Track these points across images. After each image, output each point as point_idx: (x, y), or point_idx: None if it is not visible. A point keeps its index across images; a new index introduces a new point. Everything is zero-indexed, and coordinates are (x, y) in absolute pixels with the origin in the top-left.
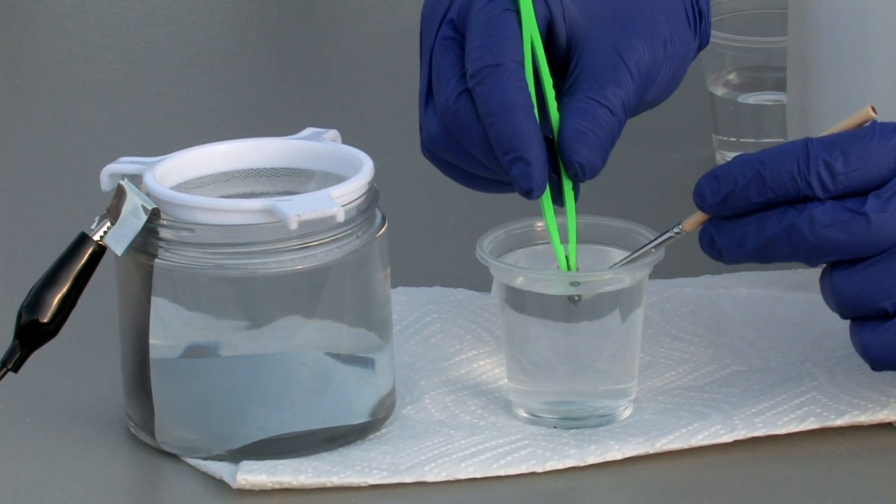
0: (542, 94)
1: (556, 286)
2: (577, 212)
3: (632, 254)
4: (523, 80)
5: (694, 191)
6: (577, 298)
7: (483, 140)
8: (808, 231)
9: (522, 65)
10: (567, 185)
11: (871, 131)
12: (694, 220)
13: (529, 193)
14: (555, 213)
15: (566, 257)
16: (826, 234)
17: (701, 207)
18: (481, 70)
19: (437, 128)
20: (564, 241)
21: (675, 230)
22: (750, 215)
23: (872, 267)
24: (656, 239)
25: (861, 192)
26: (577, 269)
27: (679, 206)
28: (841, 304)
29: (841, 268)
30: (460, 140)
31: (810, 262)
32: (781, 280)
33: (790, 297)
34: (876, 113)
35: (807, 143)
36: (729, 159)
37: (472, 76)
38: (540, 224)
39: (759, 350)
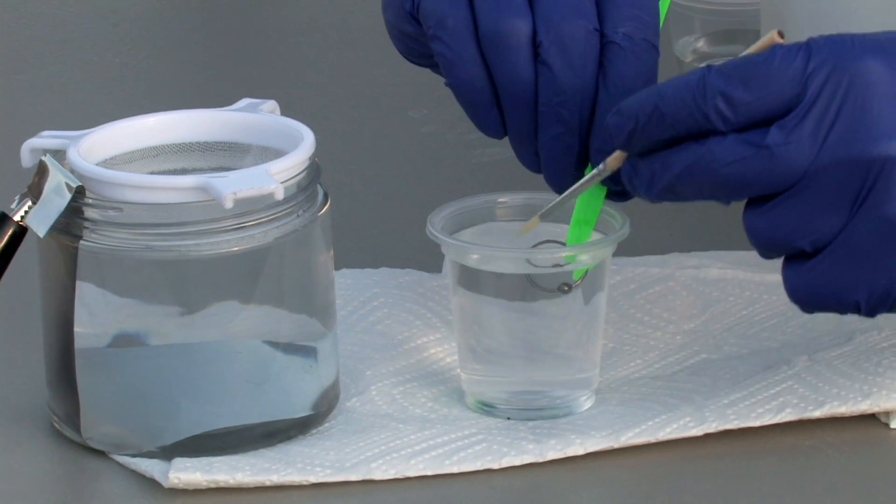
0: None
1: (515, 264)
2: (537, 188)
3: (560, 197)
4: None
5: (605, 127)
6: (566, 288)
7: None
8: (709, 169)
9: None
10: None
11: (771, 55)
12: (616, 156)
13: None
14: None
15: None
16: (728, 172)
17: (613, 144)
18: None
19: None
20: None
21: (601, 167)
22: (658, 152)
23: (782, 204)
24: (582, 180)
25: (765, 122)
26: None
27: None
28: (757, 245)
29: (752, 206)
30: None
31: (721, 200)
32: (754, 260)
33: (766, 279)
34: (783, 38)
35: (704, 73)
36: None
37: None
38: (503, 199)
39: (732, 336)
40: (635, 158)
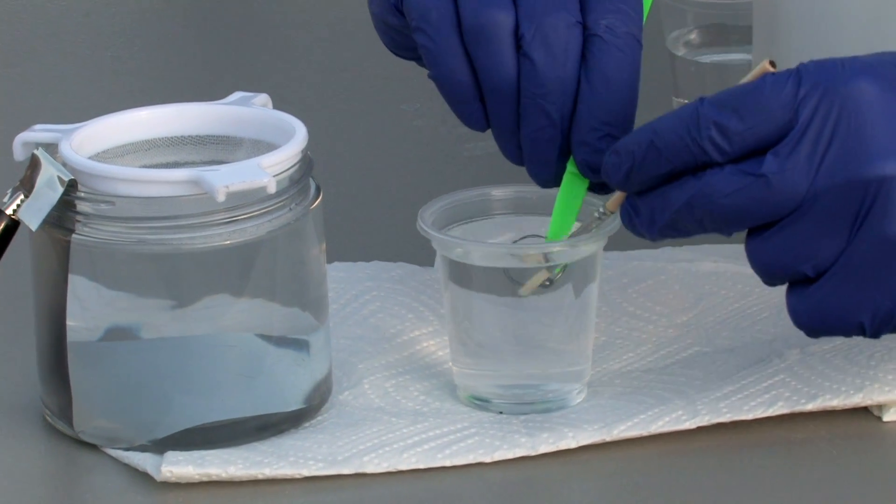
0: None
1: (502, 259)
2: (522, 182)
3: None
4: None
5: (602, 172)
6: (547, 283)
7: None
8: (708, 202)
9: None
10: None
11: (762, 83)
12: (615, 198)
13: (613, 184)
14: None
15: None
16: (727, 203)
17: (611, 185)
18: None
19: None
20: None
21: (600, 211)
22: (656, 189)
23: (782, 231)
24: (582, 228)
25: (761, 150)
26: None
27: None
28: (760, 273)
29: (754, 235)
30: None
31: (723, 232)
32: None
33: None
34: (775, 67)
35: (697, 106)
36: None
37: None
38: (487, 193)
39: (725, 330)
40: (634, 197)
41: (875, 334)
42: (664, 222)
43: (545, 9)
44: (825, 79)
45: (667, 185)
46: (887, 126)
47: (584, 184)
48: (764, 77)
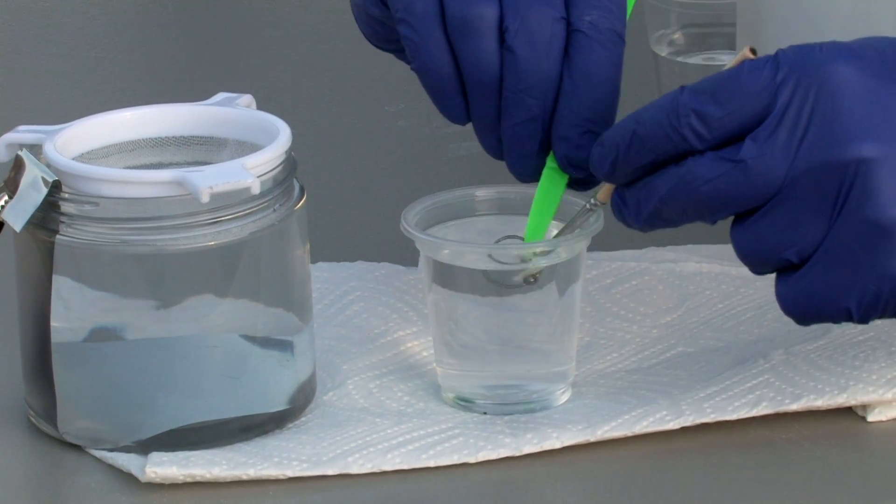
0: None
1: (487, 260)
2: (510, 182)
3: (556, 235)
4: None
5: (589, 165)
6: (532, 280)
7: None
8: (689, 189)
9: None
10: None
11: (740, 69)
12: (605, 189)
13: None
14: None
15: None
16: (708, 190)
17: (598, 177)
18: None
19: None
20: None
21: (591, 202)
22: (641, 179)
23: (764, 217)
24: (574, 218)
25: (740, 137)
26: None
27: None
28: (746, 261)
29: (738, 223)
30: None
31: (707, 220)
32: (731, 254)
33: (742, 272)
34: (755, 54)
35: (677, 94)
36: None
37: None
38: (470, 194)
39: (709, 330)
40: (622, 189)
41: (863, 319)
42: (650, 212)
43: (529, 3)
44: (802, 63)
45: (651, 174)
46: (865, 108)
47: (564, 179)
48: (742, 63)
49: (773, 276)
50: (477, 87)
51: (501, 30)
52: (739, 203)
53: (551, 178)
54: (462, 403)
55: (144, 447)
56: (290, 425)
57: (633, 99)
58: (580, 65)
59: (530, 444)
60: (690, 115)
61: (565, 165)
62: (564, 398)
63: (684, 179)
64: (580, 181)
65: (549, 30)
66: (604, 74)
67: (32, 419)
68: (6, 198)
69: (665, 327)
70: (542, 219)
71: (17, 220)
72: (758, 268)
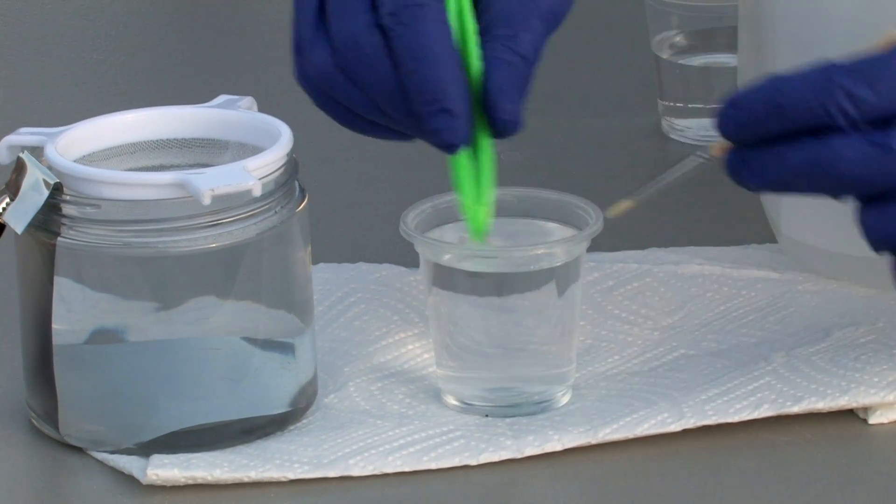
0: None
1: (487, 263)
2: (508, 184)
3: (650, 185)
4: (447, 23)
5: (715, 117)
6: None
7: (392, 85)
8: (830, 167)
9: (445, 5)
10: (486, 142)
11: (894, 54)
12: (720, 143)
13: (453, 148)
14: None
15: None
16: (849, 171)
17: (722, 135)
18: (404, 9)
19: (328, 61)
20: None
21: (704, 157)
22: (771, 145)
23: None
24: (680, 164)
25: (886, 121)
26: (489, 235)
27: (623, 176)
28: (873, 242)
29: (871, 205)
30: (358, 80)
31: (835, 197)
32: (733, 256)
33: (744, 275)
34: None
35: (829, 71)
36: (677, 126)
37: (392, 14)
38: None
39: (710, 332)
40: (744, 149)
41: None
42: (775, 179)
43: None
44: None
45: (784, 143)
46: None
47: (489, 150)
48: None
49: (773, 275)
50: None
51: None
52: (878, 186)
53: (478, 155)
54: (463, 406)
55: (146, 449)
56: (292, 427)
57: (634, 99)
58: (399, 51)
59: (532, 447)
60: (842, 94)
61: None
62: (565, 400)
63: (824, 155)
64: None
65: (367, 39)
66: (420, 52)
67: (34, 421)
68: (7, 200)
69: (667, 330)
70: (480, 184)
71: (18, 222)
72: (883, 249)
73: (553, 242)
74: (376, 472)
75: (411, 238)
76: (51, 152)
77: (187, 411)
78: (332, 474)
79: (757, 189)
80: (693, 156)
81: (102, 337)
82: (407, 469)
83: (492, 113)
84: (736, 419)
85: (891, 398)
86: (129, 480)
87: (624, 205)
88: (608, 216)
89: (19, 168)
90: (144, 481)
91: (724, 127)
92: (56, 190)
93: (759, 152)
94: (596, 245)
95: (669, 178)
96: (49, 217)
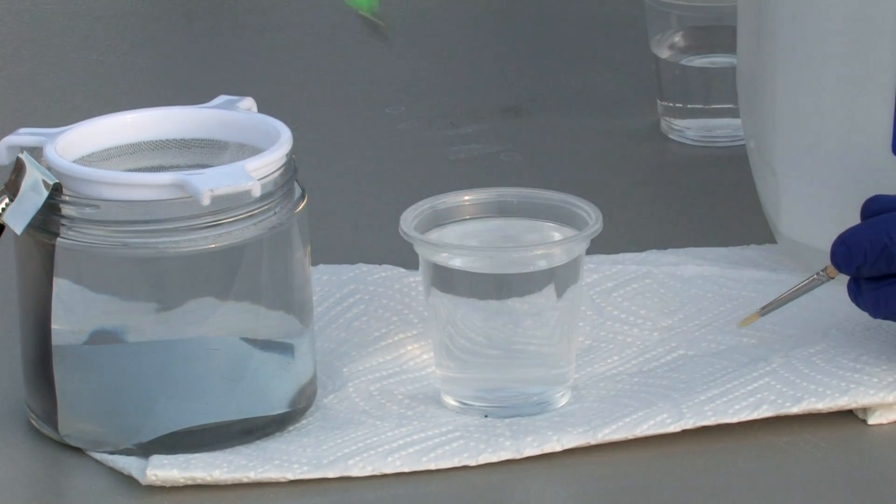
0: None
1: (487, 264)
2: (508, 184)
3: (776, 300)
4: None
5: (830, 255)
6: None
7: None
8: None
9: None
10: None
11: None
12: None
13: None
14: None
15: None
16: None
17: (837, 269)
18: None
19: None
20: None
21: (821, 274)
22: (884, 281)
23: None
24: (800, 284)
25: None
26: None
27: (622, 177)
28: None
29: None
30: None
31: None
32: (731, 257)
33: (743, 276)
34: None
35: None
36: (677, 127)
37: None
38: (468, 197)
39: (709, 333)
40: (860, 280)
41: None
42: (889, 312)
43: None
44: None
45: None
46: None
47: None
48: None
49: (772, 276)
50: None
51: None
52: None
53: None
54: (462, 406)
55: (145, 450)
56: (291, 428)
57: (634, 100)
58: None
59: (531, 447)
60: None
61: None
62: (564, 400)
63: None
64: None
65: None
66: None
67: (33, 422)
68: (7, 200)
69: (666, 330)
70: None
71: (17, 222)
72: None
73: (552, 243)
74: (375, 472)
75: (410, 239)
76: (50, 153)
77: (187, 412)
78: (331, 475)
79: (873, 316)
80: (816, 275)
81: (102, 337)
82: (406, 469)
83: None
84: (735, 420)
85: (890, 399)
86: (129, 481)
87: (753, 317)
88: (740, 327)
89: (19, 168)
90: (144, 482)
91: (838, 264)
92: (55, 190)
93: (872, 286)
94: (595, 246)
95: (793, 293)
96: (48, 217)
